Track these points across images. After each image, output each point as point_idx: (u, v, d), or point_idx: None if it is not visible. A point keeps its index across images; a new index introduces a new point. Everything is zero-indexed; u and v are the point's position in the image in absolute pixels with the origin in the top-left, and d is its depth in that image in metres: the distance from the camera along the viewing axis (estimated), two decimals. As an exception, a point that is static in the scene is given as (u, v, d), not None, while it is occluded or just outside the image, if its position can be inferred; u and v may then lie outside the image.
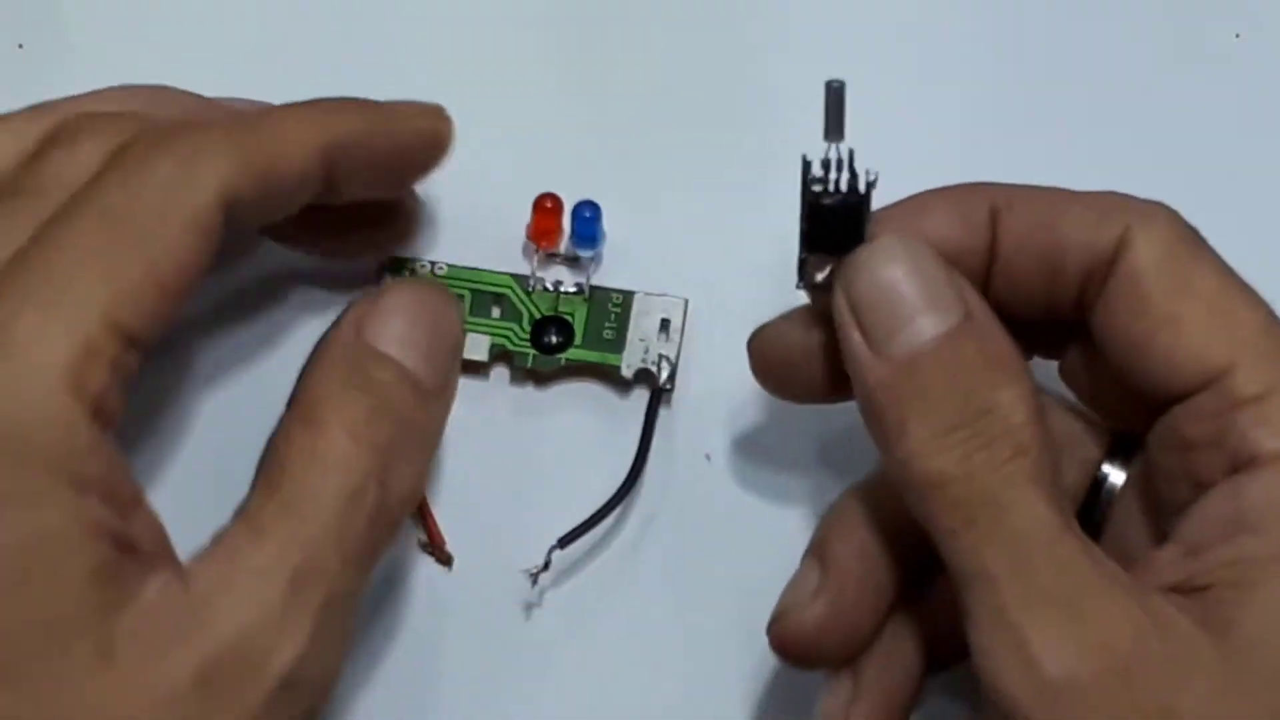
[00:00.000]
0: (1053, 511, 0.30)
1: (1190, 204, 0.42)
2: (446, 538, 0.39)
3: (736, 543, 0.39)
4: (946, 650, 0.34)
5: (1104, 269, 0.32)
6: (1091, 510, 0.35)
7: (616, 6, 0.44)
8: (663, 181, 0.42)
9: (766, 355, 0.36)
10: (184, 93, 0.37)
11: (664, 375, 0.39)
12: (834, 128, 0.32)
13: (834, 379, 0.34)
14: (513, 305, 0.40)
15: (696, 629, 0.39)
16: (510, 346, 0.40)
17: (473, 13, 0.44)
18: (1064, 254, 0.33)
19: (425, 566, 0.39)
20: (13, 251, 0.31)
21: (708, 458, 0.40)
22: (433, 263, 0.40)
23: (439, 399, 0.33)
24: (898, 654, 0.34)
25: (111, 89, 0.36)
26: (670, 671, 0.38)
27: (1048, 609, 0.29)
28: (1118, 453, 0.35)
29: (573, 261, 0.41)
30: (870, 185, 0.33)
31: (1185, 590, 0.30)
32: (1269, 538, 0.30)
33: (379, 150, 0.36)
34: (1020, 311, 0.33)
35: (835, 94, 0.32)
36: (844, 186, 0.33)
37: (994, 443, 0.30)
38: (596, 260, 0.41)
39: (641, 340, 0.40)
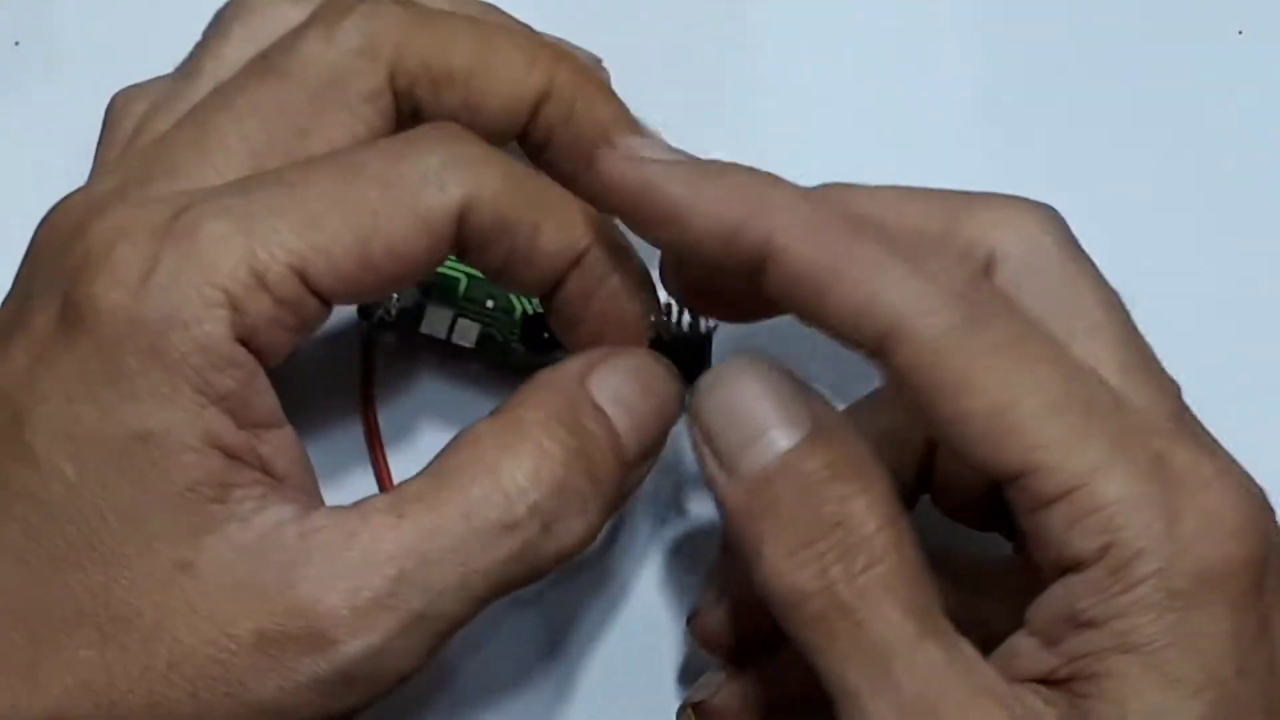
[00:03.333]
0: (910, 620, 0.29)
1: (1191, 202, 0.42)
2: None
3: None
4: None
5: (881, 359, 0.30)
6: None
7: (619, 8, 0.43)
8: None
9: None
10: (513, 19, 0.36)
11: None
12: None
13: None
14: (506, 296, 0.40)
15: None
16: (499, 337, 0.39)
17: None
18: (830, 329, 0.31)
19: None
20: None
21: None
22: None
23: (634, 471, 0.33)
24: (798, 664, 0.34)
25: None
26: (667, 670, 0.39)
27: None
28: None
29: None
30: (710, 330, 0.34)
31: (1050, 682, 0.30)
32: (1108, 631, 0.29)
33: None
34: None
35: None
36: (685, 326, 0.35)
37: (847, 555, 0.30)
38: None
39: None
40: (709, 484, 0.32)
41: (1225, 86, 0.44)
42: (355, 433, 0.39)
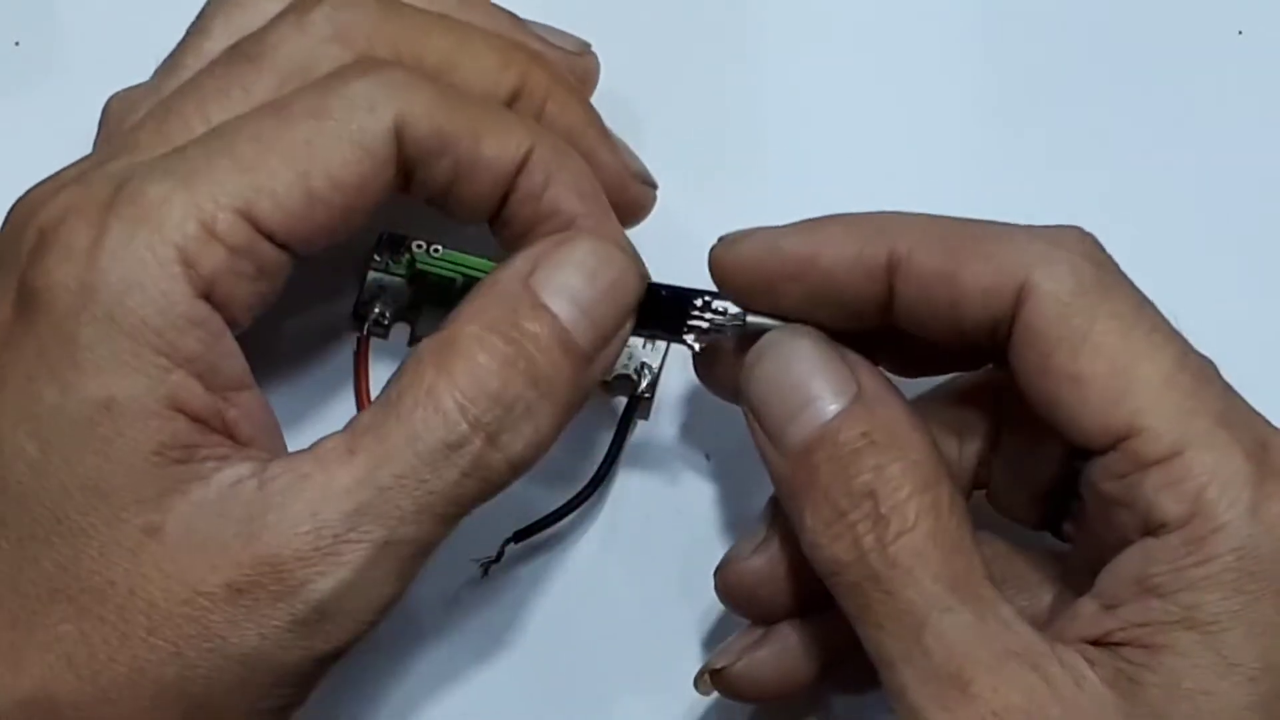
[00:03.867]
0: (940, 586, 0.30)
1: (1192, 201, 0.42)
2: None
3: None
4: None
5: (1006, 325, 0.32)
6: (1070, 494, 0.34)
7: (623, 9, 0.43)
8: (663, 189, 0.42)
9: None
10: (497, 8, 0.37)
11: (643, 383, 0.39)
12: None
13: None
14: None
15: (695, 628, 0.39)
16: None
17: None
18: (964, 307, 0.32)
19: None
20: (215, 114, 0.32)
21: (708, 457, 0.40)
22: (428, 242, 0.39)
23: (589, 363, 0.33)
24: (824, 626, 0.34)
25: None
26: (664, 669, 0.38)
27: (939, 688, 0.30)
28: None
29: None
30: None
31: (1103, 644, 0.30)
32: (1175, 603, 0.30)
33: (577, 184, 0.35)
34: (933, 340, 0.33)
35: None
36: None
37: (879, 524, 0.31)
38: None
39: (627, 347, 0.39)
40: (761, 456, 0.33)
41: (1225, 86, 0.43)
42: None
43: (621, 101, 0.39)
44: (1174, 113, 0.43)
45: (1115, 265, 0.32)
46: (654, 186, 0.38)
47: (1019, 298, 0.31)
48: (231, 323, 0.31)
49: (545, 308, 0.32)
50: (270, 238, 0.31)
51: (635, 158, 0.37)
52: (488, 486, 0.31)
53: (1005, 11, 0.44)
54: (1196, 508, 0.30)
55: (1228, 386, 0.31)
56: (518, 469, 0.32)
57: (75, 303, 0.30)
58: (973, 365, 0.35)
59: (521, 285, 0.32)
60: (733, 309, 0.34)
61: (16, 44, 0.43)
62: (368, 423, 0.31)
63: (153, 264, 0.30)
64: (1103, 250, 0.32)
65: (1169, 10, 0.44)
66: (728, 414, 0.40)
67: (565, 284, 0.32)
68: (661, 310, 0.35)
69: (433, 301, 0.39)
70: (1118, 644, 0.30)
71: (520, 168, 0.33)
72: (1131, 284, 0.32)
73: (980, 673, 0.30)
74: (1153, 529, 0.30)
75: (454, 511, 0.31)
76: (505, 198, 0.34)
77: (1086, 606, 0.31)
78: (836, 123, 0.43)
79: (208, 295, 0.31)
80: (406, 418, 0.31)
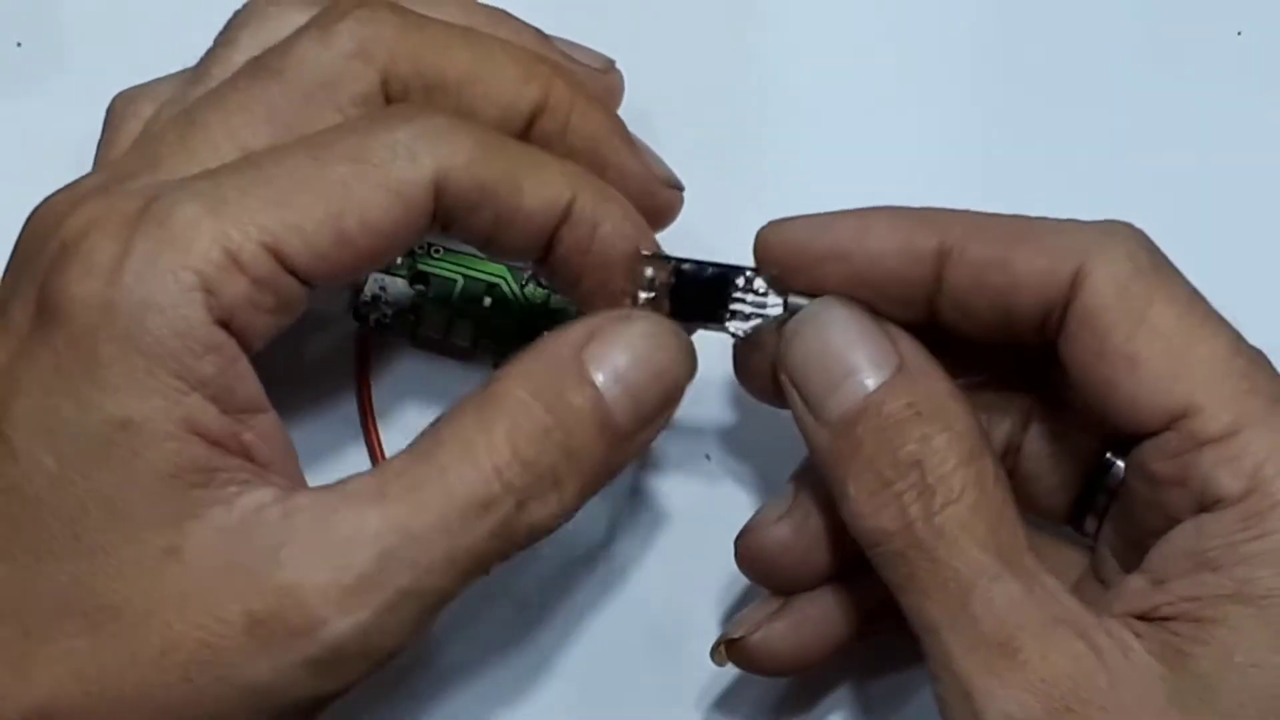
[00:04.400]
0: (987, 555, 0.30)
1: (1192, 201, 0.42)
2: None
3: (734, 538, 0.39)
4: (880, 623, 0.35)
5: (1060, 308, 0.32)
6: (1097, 488, 0.34)
7: (626, 11, 0.43)
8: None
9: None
10: (523, 24, 0.37)
11: None
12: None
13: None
14: (503, 296, 0.40)
15: (693, 627, 0.39)
16: (496, 337, 0.39)
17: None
18: (1017, 294, 0.32)
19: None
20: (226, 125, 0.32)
21: (708, 457, 0.40)
22: (430, 244, 0.39)
23: (626, 443, 0.33)
24: (842, 599, 0.34)
25: None
26: (664, 668, 0.39)
27: (987, 655, 0.30)
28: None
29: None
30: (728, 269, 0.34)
31: (1150, 618, 0.30)
32: (1229, 577, 0.30)
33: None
34: (976, 336, 0.33)
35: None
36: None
37: (924, 494, 0.31)
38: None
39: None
40: (799, 427, 0.33)
41: (1225, 86, 0.43)
42: (353, 436, 0.40)
43: (633, 109, 0.39)
44: (1174, 113, 0.43)
45: (1166, 257, 0.32)
46: (681, 189, 0.38)
47: (1074, 282, 0.32)
48: (245, 348, 0.31)
49: (592, 383, 0.32)
50: (294, 273, 0.31)
51: (661, 162, 0.37)
52: (508, 548, 0.31)
53: (1007, 12, 0.44)
54: (1254, 484, 0.30)
55: (1276, 369, 0.32)
56: (536, 536, 0.32)
57: (95, 319, 0.30)
58: (1009, 366, 0.35)
59: (573, 355, 0.32)
60: (774, 298, 0.34)
61: (19, 44, 0.43)
62: (399, 467, 0.31)
63: (174, 287, 0.30)
64: (1153, 243, 0.33)
65: (1169, 10, 0.44)
66: (728, 414, 0.40)
67: (616, 362, 0.32)
68: (701, 292, 0.34)
69: (433, 301, 0.40)
70: (1166, 618, 0.30)
71: (564, 219, 0.33)
72: (1182, 274, 0.32)
73: (1028, 640, 0.30)
74: (1208, 505, 0.30)
75: (474, 568, 0.31)
76: (550, 244, 0.34)
77: (1134, 582, 0.31)
78: (850, 128, 0.43)
79: (226, 322, 0.30)
80: (444, 468, 0.31)
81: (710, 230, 0.39)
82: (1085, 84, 0.44)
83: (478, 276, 0.40)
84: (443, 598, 0.31)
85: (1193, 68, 0.44)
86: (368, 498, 0.30)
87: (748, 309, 0.35)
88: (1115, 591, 0.32)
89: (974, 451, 0.31)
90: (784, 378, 0.33)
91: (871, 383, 0.32)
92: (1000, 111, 0.43)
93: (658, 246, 0.35)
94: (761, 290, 0.34)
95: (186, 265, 0.30)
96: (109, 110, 0.36)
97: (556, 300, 0.40)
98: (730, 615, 0.38)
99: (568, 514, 0.32)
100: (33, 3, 0.43)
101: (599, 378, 0.32)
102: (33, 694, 0.29)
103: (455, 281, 0.39)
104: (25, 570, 0.30)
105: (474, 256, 0.40)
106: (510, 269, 0.40)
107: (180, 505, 0.30)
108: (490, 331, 0.40)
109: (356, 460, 0.39)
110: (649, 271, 0.34)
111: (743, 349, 0.36)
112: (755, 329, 0.34)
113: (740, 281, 0.34)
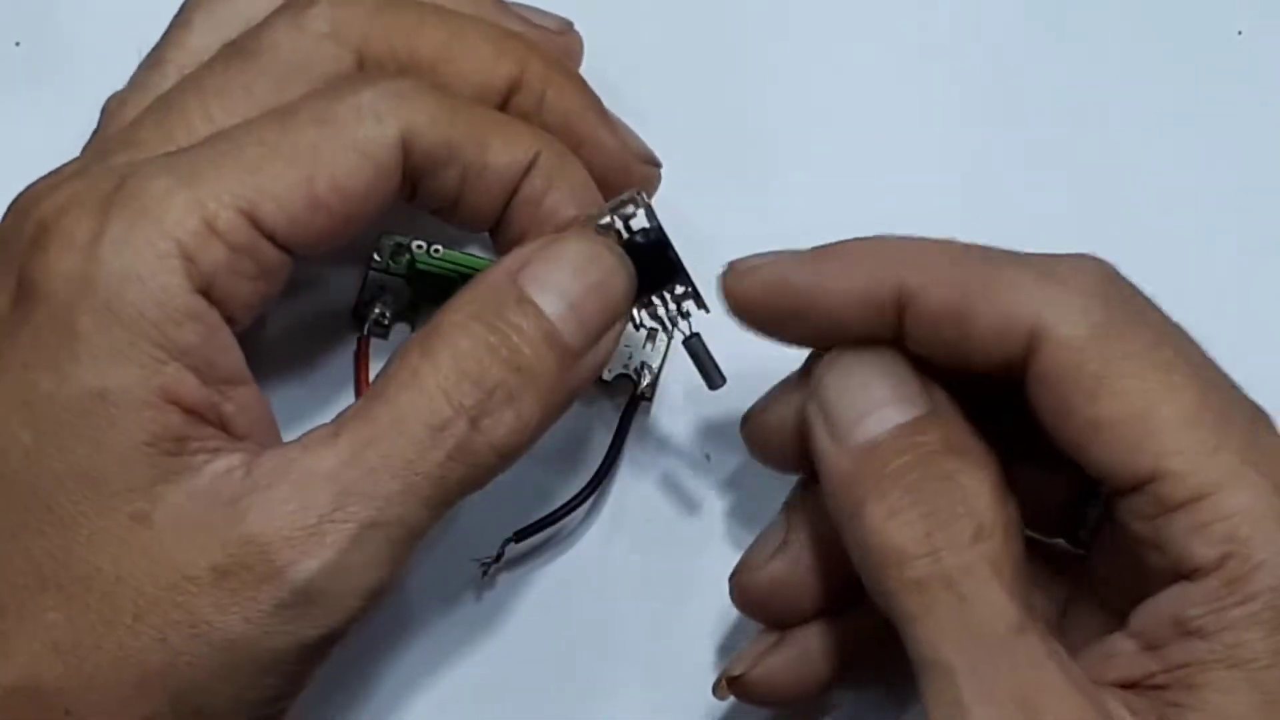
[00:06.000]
0: (1014, 605, 0.30)
1: (1192, 202, 0.42)
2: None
3: (735, 542, 0.39)
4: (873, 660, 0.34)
5: (1019, 365, 0.31)
6: (1078, 525, 0.34)
7: (629, 12, 0.43)
8: (664, 191, 0.42)
9: (760, 438, 0.36)
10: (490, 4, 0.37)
11: (643, 383, 0.39)
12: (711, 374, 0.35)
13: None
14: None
15: (695, 626, 0.39)
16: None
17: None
18: (975, 349, 0.31)
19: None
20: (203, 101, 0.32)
21: (708, 457, 0.40)
22: (428, 243, 0.39)
23: (577, 359, 0.33)
24: (839, 633, 0.34)
25: None
26: (664, 667, 0.39)
27: (1004, 707, 0.29)
28: None
29: (570, 260, 0.41)
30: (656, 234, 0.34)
31: (1142, 688, 0.30)
32: (1218, 642, 0.29)
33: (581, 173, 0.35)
34: (949, 369, 0.33)
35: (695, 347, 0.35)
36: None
37: (955, 522, 0.30)
38: (594, 261, 0.41)
39: (627, 346, 0.39)
40: (815, 454, 0.32)
41: (1225, 86, 0.43)
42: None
43: (620, 91, 0.39)
44: (1174, 113, 0.43)
45: (1131, 294, 0.31)
46: (658, 165, 0.38)
47: (1030, 342, 0.31)
48: (230, 320, 0.31)
49: (531, 302, 0.32)
50: (271, 238, 0.31)
51: (637, 138, 0.38)
52: (474, 472, 0.32)
53: (1006, 12, 0.44)
54: (1230, 548, 0.29)
55: (1252, 415, 0.31)
56: (503, 455, 0.32)
57: (74, 293, 0.30)
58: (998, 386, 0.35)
59: (509, 280, 0.32)
60: (685, 324, 0.35)
61: (17, 44, 0.43)
62: (353, 410, 0.31)
63: (152, 257, 0.30)
64: (1118, 279, 0.31)
65: (1169, 10, 0.44)
66: (728, 414, 0.40)
67: (552, 280, 0.32)
68: (640, 267, 0.34)
69: (433, 301, 0.39)
70: (1157, 687, 0.30)
71: (527, 171, 0.34)
72: (1149, 314, 0.31)
73: (1047, 699, 0.29)
74: (1186, 573, 0.30)
75: (440, 496, 0.31)
76: (509, 203, 0.34)
77: (1123, 645, 0.31)
78: (839, 113, 0.43)
79: (206, 291, 0.31)
80: (393, 401, 0.31)
81: (700, 216, 0.39)
82: (1084, 84, 0.43)
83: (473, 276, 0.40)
84: (410, 530, 0.31)
85: (1193, 68, 0.44)
86: (323, 441, 0.31)
87: (662, 314, 0.35)
88: (1104, 652, 0.31)
89: (1004, 498, 0.31)
90: (812, 406, 0.33)
91: (904, 417, 0.32)
92: (998, 109, 0.43)
93: (611, 217, 0.35)
94: (685, 312, 0.35)
95: (164, 235, 0.30)
96: (103, 111, 0.36)
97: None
98: (732, 617, 0.38)
99: (528, 431, 0.32)
100: (32, 3, 0.43)
101: (539, 297, 0.32)
102: (13, 671, 0.30)
103: (453, 281, 0.39)
104: (2, 548, 0.30)
105: (473, 256, 0.40)
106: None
107: (152, 472, 0.30)
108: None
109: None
110: (629, 209, 0.34)
111: (756, 418, 0.36)
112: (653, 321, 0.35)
113: (679, 290, 0.35)
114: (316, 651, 0.31)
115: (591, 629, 0.39)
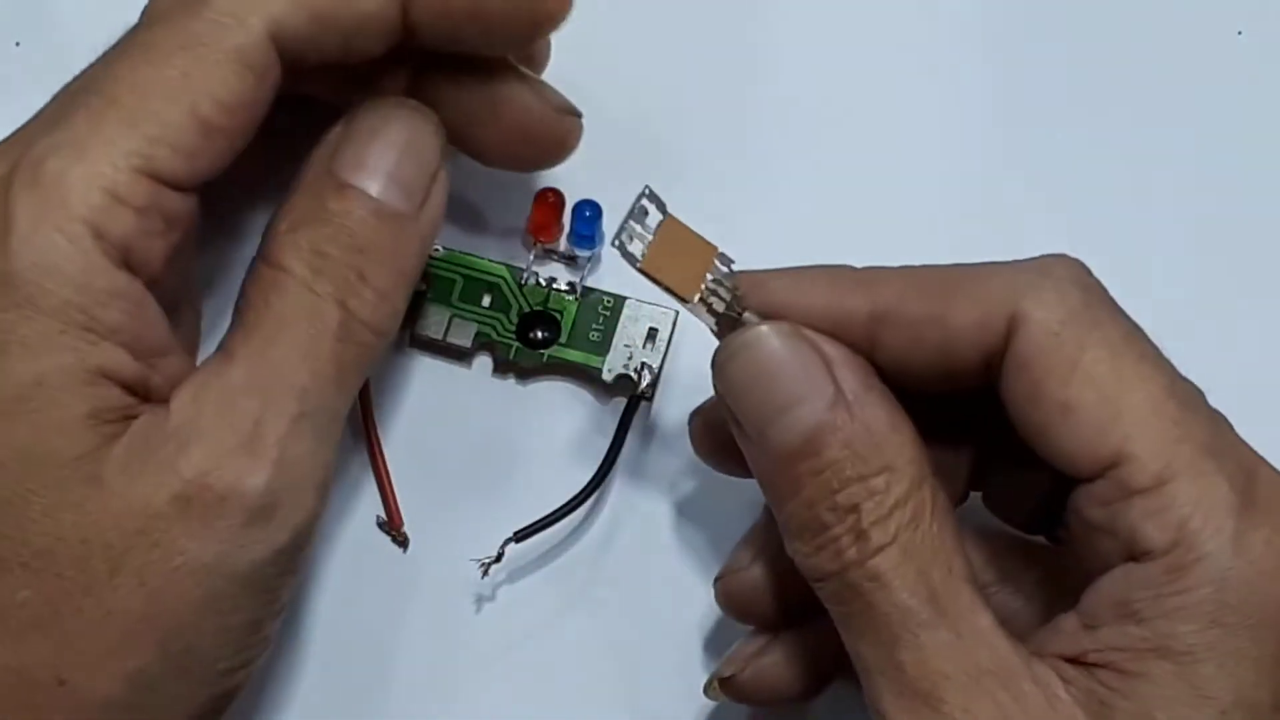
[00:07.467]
0: (917, 600, 0.30)
1: (1192, 202, 0.42)
2: (410, 518, 0.39)
3: (734, 543, 0.39)
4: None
5: (998, 356, 0.31)
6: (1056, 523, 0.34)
7: (630, 13, 0.43)
8: (666, 194, 0.42)
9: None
10: None
11: (644, 383, 0.39)
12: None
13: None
14: (503, 296, 0.40)
15: (695, 626, 0.39)
16: (495, 336, 0.40)
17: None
18: (956, 346, 0.32)
19: (383, 546, 0.39)
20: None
21: (707, 458, 0.40)
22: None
23: (411, 221, 0.33)
24: (825, 632, 0.34)
25: None
26: (664, 667, 0.39)
27: (912, 703, 0.30)
28: None
29: (570, 260, 0.41)
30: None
31: (1080, 663, 0.30)
32: (1152, 630, 0.30)
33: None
34: (918, 386, 0.33)
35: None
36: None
37: (860, 539, 0.31)
38: (594, 261, 0.41)
39: (627, 346, 0.39)
40: (741, 447, 0.33)
41: (1225, 86, 0.43)
42: (353, 435, 0.39)
43: (621, 97, 0.39)
44: (1174, 113, 0.43)
45: (1104, 291, 0.32)
46: (578, 115, 0.38)
47: (1009, 328, 0.31)
48: (152, 280, 0.31)
49: (349, 185, 0.33)
50: (174, 186, 0.31)
51: (554, 90, 0.37)
52: (362, 349, 0.33)
53: (1004, 12, 0.44)
54: (1179, 537, 0.29)
55: (1215, 414, 0.31)
56: (383, 330, 0.33)
57: None
58: (956, 406, 0.35)
59: (323, 170, 0.33)
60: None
61: (17, 44, 0.43)
62: (234, 331, 0.32)
63: (64, 243, 0.30)
64: (1091, 276, 0.32)
65: (1169, 10, 0.44)
66: (728, 414, 0.40)
67: (362, 158, 0.33)
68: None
69: (432, 302, 0.40)
70: (1094, 665, 0.30)
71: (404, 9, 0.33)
72: (1120, 311, 0.32)
73: (952, 691, 0.30)
74: (1136, 556, 0.30)
75: (346, 376, 0.32)
76: (409, 29, 0.34)
77: (1068, 623, 0.31)
78: (839, 113, 0.43)
79: (125, 261, 0.31)
80: (267, 309, 0.32)
81: (706, 228, 0.39)
82: (1084, 84, 0.44)
83: (477, 276, 0.40)
84: (332, 413, 0.32)
85: (1193, 68, 0.44)
86: (223, 361, 0.32)
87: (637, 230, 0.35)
88: (1052, 627, 0.31)
89: (911, 486, 0.31)
90: (720, 396, 0.33)
91: (807, 418, 0.31)
92: (999, 109, 0.43)
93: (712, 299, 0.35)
94: (650, 228, 0.34)
95: (71, 218, 0.30)
96: None
97: (556, 299, 0.40)
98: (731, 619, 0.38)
99: (392, 301, 0.33)
100: (32, 3, 0.43)
101: (354, 178, 0.33)
102: (2, 661, 0.30)
103: (455, 281, 0.39)
104: None
105: (474, 256, 0.40)
106: (510, 269, 0.40)
107: (96, 439, 0.30)
108: (489, 331, 0.40)
109: (357, 460, 0.39)
110: (648, 205, 0.34)
111: (696, 421, 0.36)
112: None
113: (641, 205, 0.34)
114: (289, 558, 0.32)
115: (590, 629, 0.39)
